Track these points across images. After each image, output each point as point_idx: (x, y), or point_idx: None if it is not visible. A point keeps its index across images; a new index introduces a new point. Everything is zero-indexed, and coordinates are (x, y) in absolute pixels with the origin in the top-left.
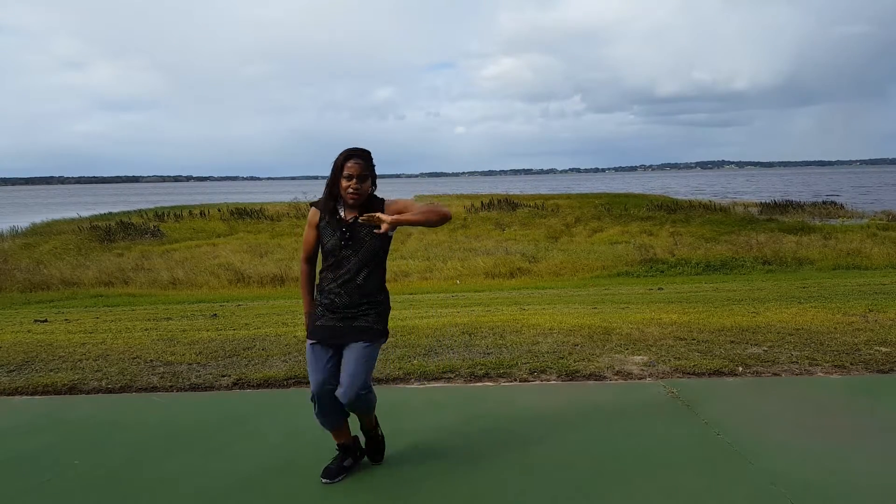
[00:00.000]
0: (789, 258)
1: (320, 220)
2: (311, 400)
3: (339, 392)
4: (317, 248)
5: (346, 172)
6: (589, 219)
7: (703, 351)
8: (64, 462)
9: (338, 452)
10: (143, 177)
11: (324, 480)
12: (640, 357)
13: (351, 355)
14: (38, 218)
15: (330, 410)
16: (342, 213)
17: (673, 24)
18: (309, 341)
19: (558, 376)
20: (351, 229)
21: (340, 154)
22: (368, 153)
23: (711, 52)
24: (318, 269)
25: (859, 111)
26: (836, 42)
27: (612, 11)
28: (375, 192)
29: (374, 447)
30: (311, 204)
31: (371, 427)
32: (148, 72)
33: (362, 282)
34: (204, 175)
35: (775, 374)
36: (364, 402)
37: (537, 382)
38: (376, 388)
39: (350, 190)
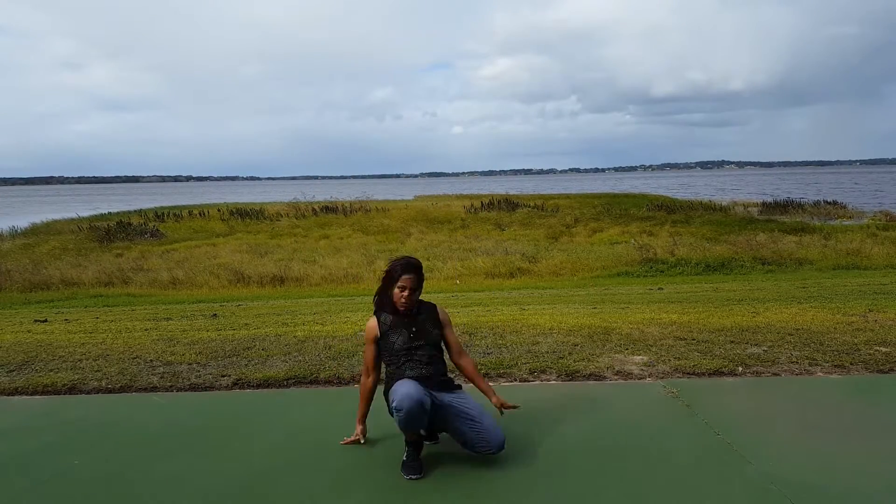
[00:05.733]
0: (789, 258)
1: (381, 326)
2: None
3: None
4: (378, 361)
5: (400, 283)
6: (589, 219)
7: (703, 351)
8: (64, 462)
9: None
10: (143, 177)
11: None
12: (640, 357)
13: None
14: (38, 218)
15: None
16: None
17: (667, 25)
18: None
19: (558, 376)
20: (417, 325)
21: (396, 264)
22: (420, 266)
23: (706, 52)
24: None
25: (858, 111)
26: (831, 42)
27: (608, 12)
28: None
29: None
30: (376, 312)
31: None
32: (147, 72)
33: (434, 367)
34: (204, 175)
35: (775, 374)
36: None
37: (537, 382)
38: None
39: (403, 300)
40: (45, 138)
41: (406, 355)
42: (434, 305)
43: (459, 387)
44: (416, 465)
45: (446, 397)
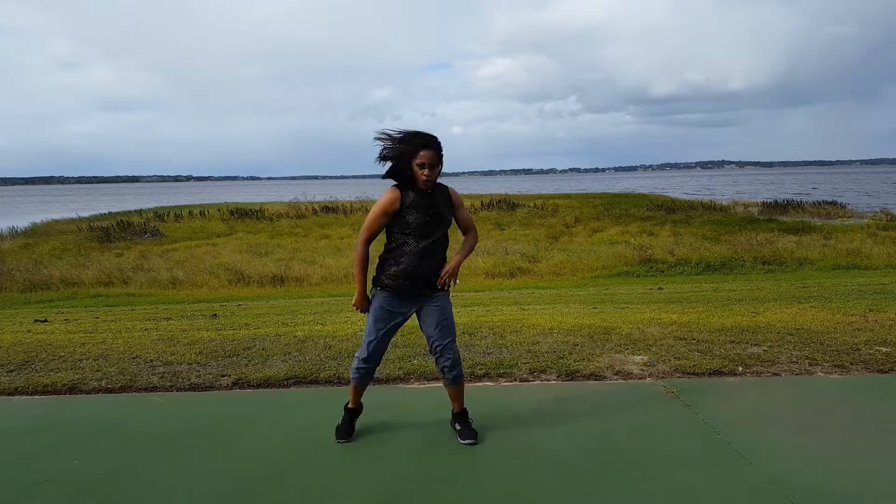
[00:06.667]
0: (789, 258)
1: (403, 200)
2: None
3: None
4: (379, 233)
5: (419, 161)
6: (589, 219)
7: (703, 351)
8: (64, 462)
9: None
10: (143, 177)
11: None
12: (640, 357)
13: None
14: (38, 218)
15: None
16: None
17: (666, 25)
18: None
19: (558, 376)
20: (435, 207)
21: (415, 139)
22: (439, 142)
23: (705, 52)
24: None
25: (857, 111)
26: (830, 42)
27: (606, 12)
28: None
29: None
30: (394, 186)
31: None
32: (146, 72)
33: (439, 250)
34: (204, 175)
35: (775, 374)
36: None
37: (537, 382)
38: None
39: (423, 178)
40: (46, 138)
41: (418, 231)
42: (446, 186)
43: (447, 292)
44: (349, 430)
45: (429, 303)
